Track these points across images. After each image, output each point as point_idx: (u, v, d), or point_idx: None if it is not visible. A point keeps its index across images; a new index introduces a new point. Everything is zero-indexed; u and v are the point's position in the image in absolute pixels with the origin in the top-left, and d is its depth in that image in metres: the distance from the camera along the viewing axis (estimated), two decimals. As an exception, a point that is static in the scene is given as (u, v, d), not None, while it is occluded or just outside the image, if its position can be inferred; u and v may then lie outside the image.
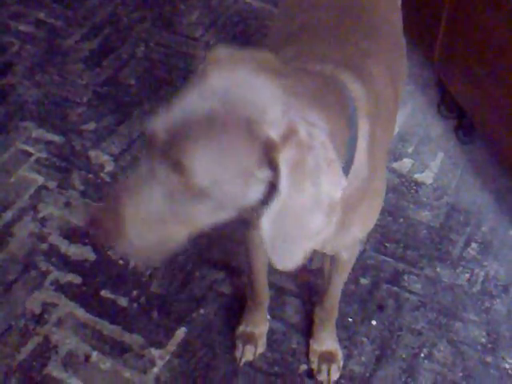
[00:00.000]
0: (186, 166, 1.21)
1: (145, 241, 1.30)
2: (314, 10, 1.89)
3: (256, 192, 1.27)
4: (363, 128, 1.50)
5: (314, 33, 1.75)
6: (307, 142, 1.22)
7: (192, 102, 1.24)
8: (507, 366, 2.28)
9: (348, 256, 1.94)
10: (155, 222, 1.28)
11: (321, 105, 1.32)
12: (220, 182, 1.23)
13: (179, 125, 1.23)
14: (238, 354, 2.29)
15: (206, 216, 1.29)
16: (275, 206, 1.23)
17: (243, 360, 2.28)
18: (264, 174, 1.24)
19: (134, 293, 2.44)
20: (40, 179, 2.77)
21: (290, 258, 1.29)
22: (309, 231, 1.27)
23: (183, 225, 1.30)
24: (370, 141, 1.53)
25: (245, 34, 3.35)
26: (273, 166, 1.22)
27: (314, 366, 2.26)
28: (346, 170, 1.45)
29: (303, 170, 1.22)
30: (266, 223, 1.25)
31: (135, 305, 2.41)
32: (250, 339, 2.29)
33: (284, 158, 1.21)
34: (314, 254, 2.47)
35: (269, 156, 1.21)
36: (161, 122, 1.25)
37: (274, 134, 1.21)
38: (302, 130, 1.22)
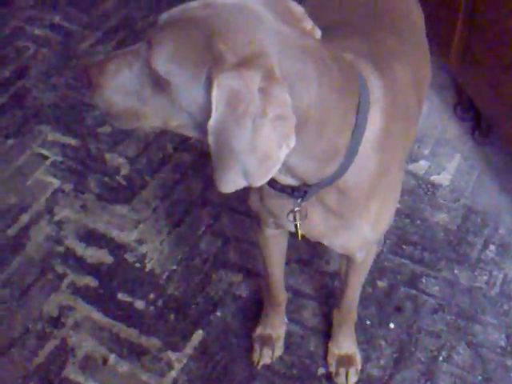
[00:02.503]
0: (152, 46, 1.29)
1: (113, 108, 1.40)
2: (339, 11, 1.89)
3: (201, 103, 1.28)
4: (374, 121, 1.49)
5: (339, 31, 1.74)
6: (260, 85, 1.22)
7: (191, 5, 1.32)
8: (527, 369, 2.27)
9: (362, 258, 1.92)
10: (124, 96, 1.38)
11: (315, 73, 1.31)
12: (173, 76, 1.27)
13: (167, 18, 1.32)
14: (255, 356, 2.28)
15: (163, 111, 1.34)
16: (210, 123, 1.24)
17: (261, 363, 2.27)
18: (205, 87, 1.25)
19: (151, 296, 2.44)
20: (56, 182, 2.77)
21: (222, 181, 1.29)
22: (239, 165, 1.26)
23: (146, 113, 1.37)
24: (382, 137, 1.52)
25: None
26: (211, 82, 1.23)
27: (332, 369, 2.25)
28: (348, 160, 1.46)
29: (245, 105, 1.22)
30: (210, 139, 1.26)
31: (152, 308, 2.41)
32: (267, 342, 2.28)
33: (222, 80, 1.21)
34: (331, 256, 2.47)
35: (211, 71, 1.23)
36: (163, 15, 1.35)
37: (227, 53, 1.23)
38: (260, 71, 1.22)
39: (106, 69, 1.38)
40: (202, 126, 1.30)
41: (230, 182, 1.29)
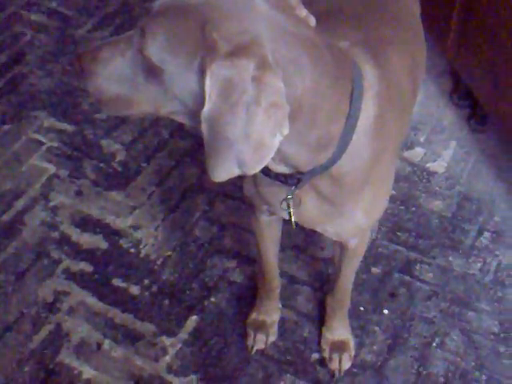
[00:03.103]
0: (145, 33, 1.28)
1: (105, 95, 1.40)
2: None
3: (194, 91, 1.28)
4: (368, 109, 1.49)
5: (336, 18, 1.74)
6: (254, 74, 1.21)
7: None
8: (520, 356, 2.28)
9: (355, 244, 1.93)
10: (116, 83, 1.38)
11: (309, 61, 1.31)
12: (167, 64, 1.27)
13: (161, 6, 1.31)
14: (249, 342, 2.29)
15: (155, 98, 1.34)
16: (204, 112, 1.24)
17: (255, 348, 2.28)
18: (199, 76, 1.25)
19: (146, 281, 2.44)
20: (51, 168, 2.77)
21: (216, 169, 1.30)
22: (233, 153, 1.26)
23: (138, 100, 1.38)
24: (376, 124, 1.52)
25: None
26: (204, 70, 1.23)
27: (326, 354, 2.26)
28: (342, 147, 1.46)
29: (239, 93, 1.22)
30: (204, 127, 1.26)
31: (147, 293, 2.41)
32: (261, 328, 2.29)
33: (215, 69, 1.21)
34: (325, 242, 2.48)
35: (204, 60, 1.23)
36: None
37: (220, 42, 1.23)
38: (253, 60, 1.22)
39: (99, 56, 1.38)
40: (194, 114, 1.30)
41: (223, 171, 1.29)
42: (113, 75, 1.37)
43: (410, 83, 1.76)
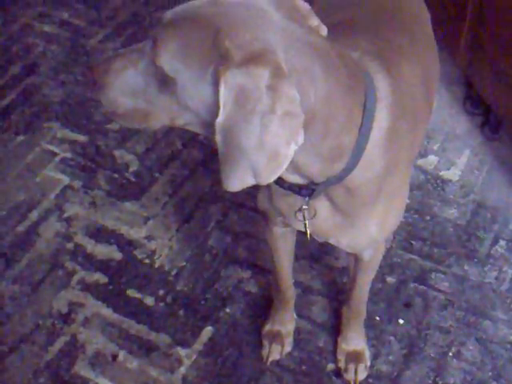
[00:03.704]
0: (157, 44, 1.29)
1: (119, 107, 1.40)
2: (349, 9, 1.88)
3: (208, 101, 1.28)
4: (381, 120, 1.48)
5: (348, 28, 1.74)
6: (268, 82, 1.21)
7: (196, 2, 1.32)
8: (537, 365, 2.27)
9: (370, 257, 1.92)
10: (130, 95, 1.37)
11: (321, 70, 1.31)
12: (180, 74, 1.27)
13: (172, 16, 1.32)
14: (264, 352, 2.28)
15: (169, 110, 1.34)
16: (218, 122, 1.23)
17: (270, 359, 2.27)
18: (212, 85, 1.26)
19: (161, 292, 2.44)
20: (65, 179, 2.77)
21: (228, 178, 1.29)
22: (247, 162, 1.25)
23: (152, 112, 1.38)
24: (389, 135, 1.51)
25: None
26: (218, 80, 1.23)
27: (342, 364, 2.25)
28: (355, 158, 1.45)
29: (253, 102, 1.21)
30: (218, 137, 1.25)
31: (161, 304, 2.41)
32: (276, 338, 2.28)
33: (229, 78, 1.21)
34: (340, 252, 2.47)
35: (218, 69, 1.22)
36: (166, 14, 1.35)
37: (234, 51, 1.22)
38: (268, 68, 1.21)
39: (111, 68, 1.38)
40: (208, 124, 1.29)
41: (238, 180, 1.28)
42: (126, 87, 1.37)
43: (423, 93, 1.75)
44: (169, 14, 1.33)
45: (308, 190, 1.51)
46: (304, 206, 1.58)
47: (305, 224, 1.64)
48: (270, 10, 1.29)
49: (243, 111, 1.22)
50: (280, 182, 1.51)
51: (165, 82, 1.30)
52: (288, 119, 1.23)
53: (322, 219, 1.64)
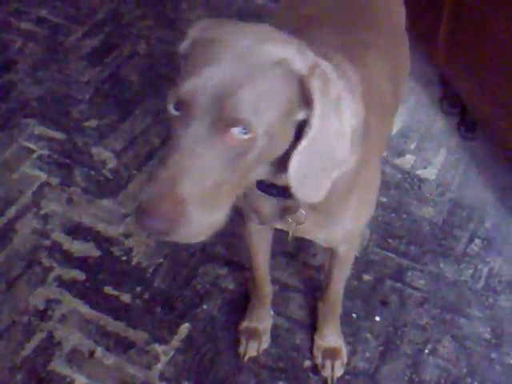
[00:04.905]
0: (246, 120, 1.21)
1: (208, 218, 1.25)
2: (316, 2, 1.89)
3: (291, 134, 1.31)
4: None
5: (315, 24, 1.75)
6: (328, 75, 1.30)
7: (220, 63, 1.23)
8: (511, 362, 2.28)
9: (345, 251, 1.94)
10: (215, 193, 1.25)
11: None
12: (270, 127, 1.25)
13: (219, 86, 1.22)
14: (241, 349, 2.29)
15: (251, 168, 1.30)
16: (306, 141, 1.28)
17: (247, 356, 2.28)
18: (299, 111, 1.29)
19: (138, 289, 2.44)
20: (42, 176, 2.76)
21: (315, 191, 1.34)
22: (335, 161, 1.33)
23: (237, 184, 1.30)
24: (362, 127, 1.51)
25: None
26: (307, 98, 1.27)
27: (318, 361, 2.26)
28: None
29: (329, 100, 1.29)
30: (295, 161, 1.29)
31: (139, 301, 2.41)
32: (253, 335, 2.28)
33: (316, 86, 1.26)
34: (317, 249, 2.48)
35: (304, 87, 1.27)
36: (196, 90, 1.22)
37: (303, 68, 1.27)
38: (321, 65, 1.30)
39: (184, 195, 1.21)
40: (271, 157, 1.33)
41: (326, 183, 1.35)
42: (207, 202, 1.24)
43: (390, 88, 1.77)
44: (206, 94, 1.22)
45: (286, 191, 1.45)
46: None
47: (293, 225, 1.63)
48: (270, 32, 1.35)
49: (331, 105, 1.29)
50: (257, 183, 1.51)
51: (251, 147, 1.25)
52: (349, 97, 1.35)
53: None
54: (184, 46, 1.36)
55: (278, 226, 1.70)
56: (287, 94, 1.26)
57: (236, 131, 1.22)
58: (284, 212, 1.61)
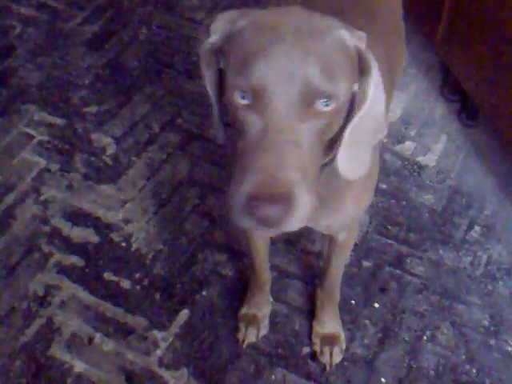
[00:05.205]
0: (328, 91, 1.23)
1: (312, 200, 1.23)
2: None
3: (347, 107, 1.33)
4: None
5: (310, 8, 1.74)
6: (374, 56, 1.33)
7: (285, 43, 1.23)
8: (510, 349, 2.29)
9: (344, 237, 1.94)
10: (311, 174, 1.25)
11: None
12: (346, 96, 1.30)
13: (292, 65, 1.22)
14: (240, 336, 2.29)
15: (323, 138, 1.31)
16: (362, 111, 1.32)
17: (246, 342, 2.28)
18: (356, 84, 1.33)
19: (137, 275, 2.44)
20: (42, 162, 2.76)
21: (360, 165, 1.37)
22: (376, 134, 1.38)
23: (320, 163, 1.33)
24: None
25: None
26: (362, 68, 1.32)
27: (317, 348, 2.26)
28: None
29: (379, 77, 1.34)
30: (348, 134, 1.32)
31: (138, 287, 2.41)
32: (252, 321, 2.29)
33: (372, 56, 1.31)
34: (316, 236, 2.48)
35: (360, 58, 1.31)
36: (269, 74, 1.22)
37: (356, 41, 1.32)
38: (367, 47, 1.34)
39: (291, 172, 1.19)
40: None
41: (368, 158, 1.40)
42: (309, 178, 1.24)
43: (386, 74, 1.76)
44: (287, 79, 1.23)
45: None
46: None
47: None
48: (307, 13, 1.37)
49: (378, 89, 1.34)
50: None
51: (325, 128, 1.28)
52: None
53: None
54: (214, 40, 1.36)
55: None
56: (350, 64, 1.29)
57: (320, 104, 1.24)
58: None
